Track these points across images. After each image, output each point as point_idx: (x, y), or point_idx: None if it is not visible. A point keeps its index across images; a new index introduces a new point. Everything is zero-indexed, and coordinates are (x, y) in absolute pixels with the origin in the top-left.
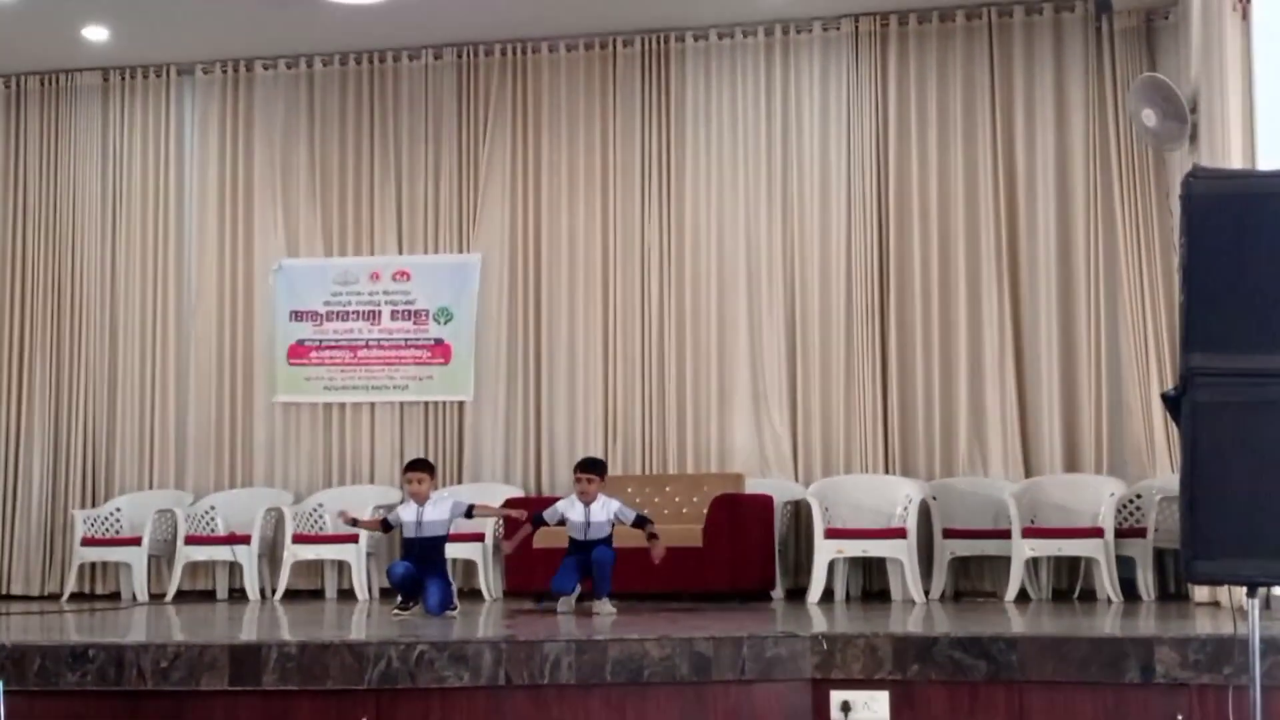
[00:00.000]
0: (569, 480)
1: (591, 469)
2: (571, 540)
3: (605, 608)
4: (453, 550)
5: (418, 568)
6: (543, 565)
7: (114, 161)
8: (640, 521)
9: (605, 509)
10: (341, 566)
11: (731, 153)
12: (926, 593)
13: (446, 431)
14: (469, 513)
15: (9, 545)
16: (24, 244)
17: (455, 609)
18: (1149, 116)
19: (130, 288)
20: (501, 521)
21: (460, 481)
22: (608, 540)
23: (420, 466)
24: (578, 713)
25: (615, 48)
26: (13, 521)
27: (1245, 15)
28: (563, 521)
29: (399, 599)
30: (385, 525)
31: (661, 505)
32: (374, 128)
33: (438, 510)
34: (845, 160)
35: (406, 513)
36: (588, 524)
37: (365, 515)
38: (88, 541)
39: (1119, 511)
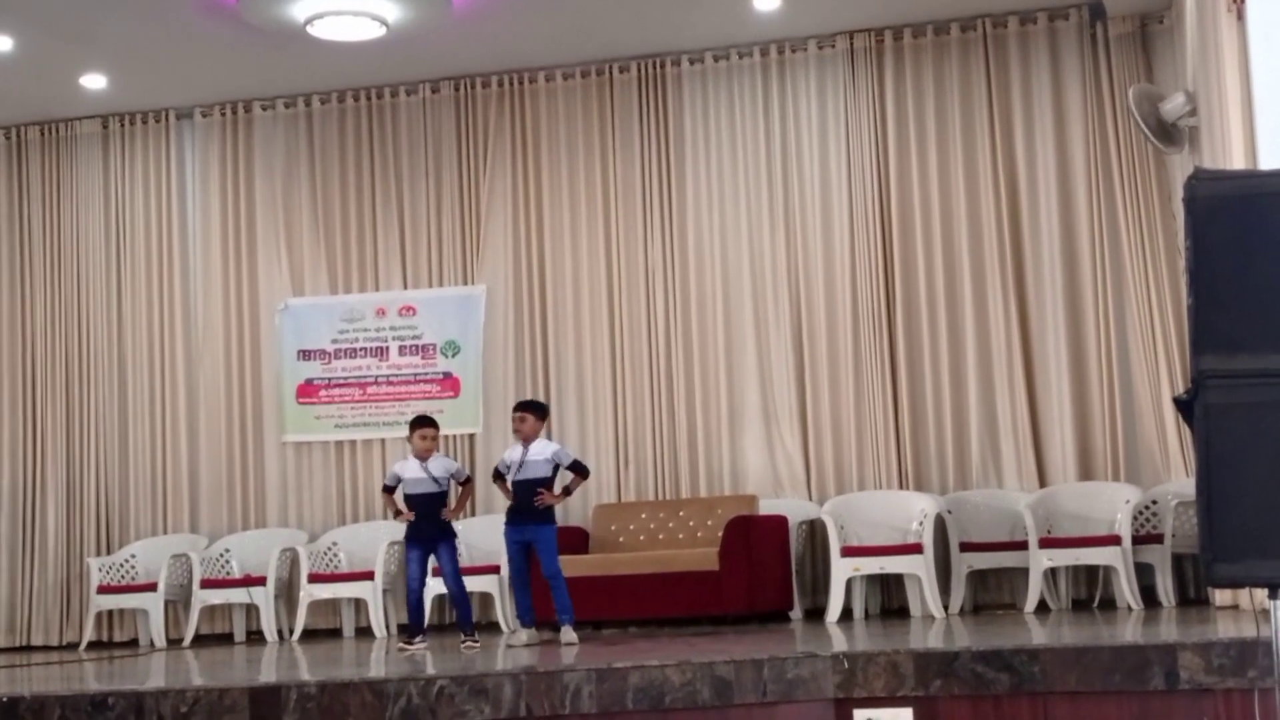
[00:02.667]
0: (582, 508)
1: (524, 407)
2: (514, 487)
3: (567, 636)
4: (469, 583)
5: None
6: None
7: (116, 208)
8: (577, 467)
9: (544, 449)
10: (359, 604)
11: (732, 173)
12: (945, 607)
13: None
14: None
15: (28, 596)
16: (30, 293)
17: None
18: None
19: (137, 332)
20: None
21: (474, 514)
22: (546, 483)
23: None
24: None
25: (612, 74)
26: (31, 572)
27: (1240, 15)
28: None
29: (409, 629)
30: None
31: (676, 530)
32: (374, 164)
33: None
34: (846, 176)
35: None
36: (523, 462)
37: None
38: (104, 589)
39: (1135, 518)
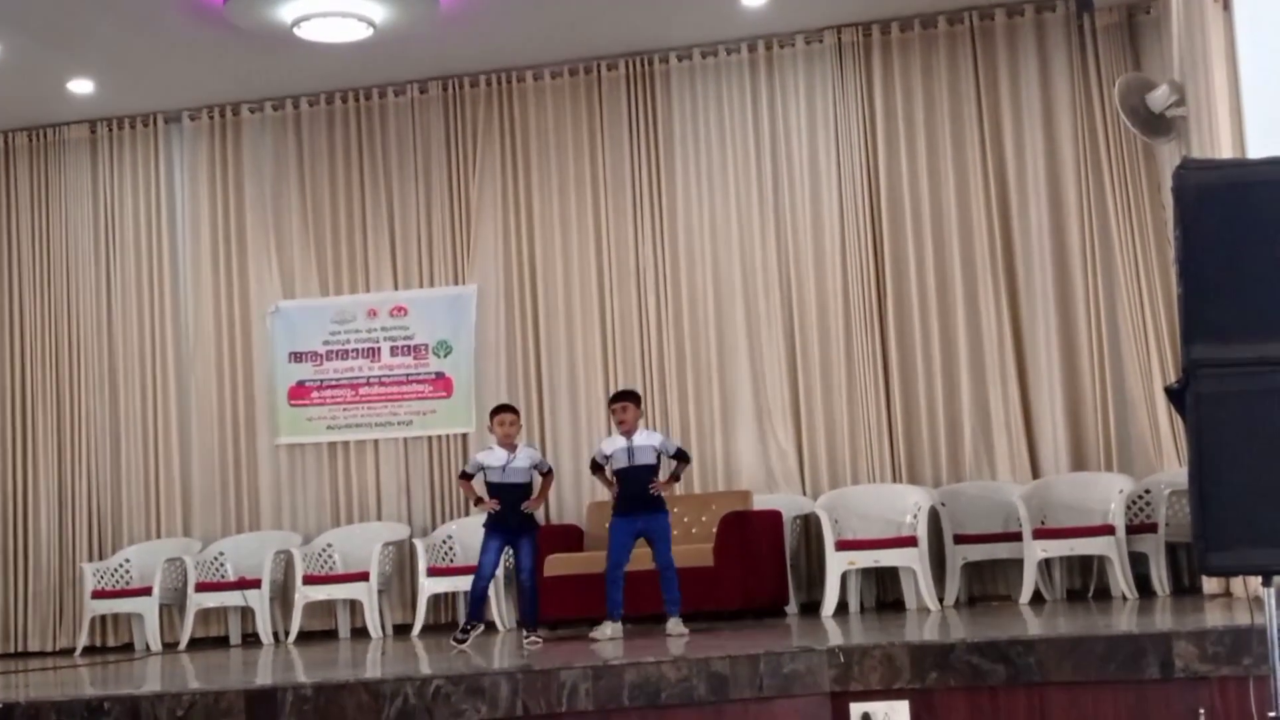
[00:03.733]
0: (575, 506)
1: (624, 397)
2: (619, 477)
3: (677, 628)
4: (467, 584)
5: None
6: (556, 594)
7: (105, 213)
8: (681, 455)
9: (648, 437)
10: (354, 605)
11: (721, 169)
12: (940, 600)
13: (451, 465)
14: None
15: (22, 602)
16: (20, 299)
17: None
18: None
19: (128, 337)
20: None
21: (467, 514)
22: (654, 471)
23: (630, 395)
24: None
25: (600, 72)
26: (24, 578)
27: (1226, 5)
28: (607, 459)
29: (464, 623)
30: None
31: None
32: (363, 165)
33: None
34: (836, 171)
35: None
36: (631, 450)
37: None
38: (98, 594)
39: (1129, 508)
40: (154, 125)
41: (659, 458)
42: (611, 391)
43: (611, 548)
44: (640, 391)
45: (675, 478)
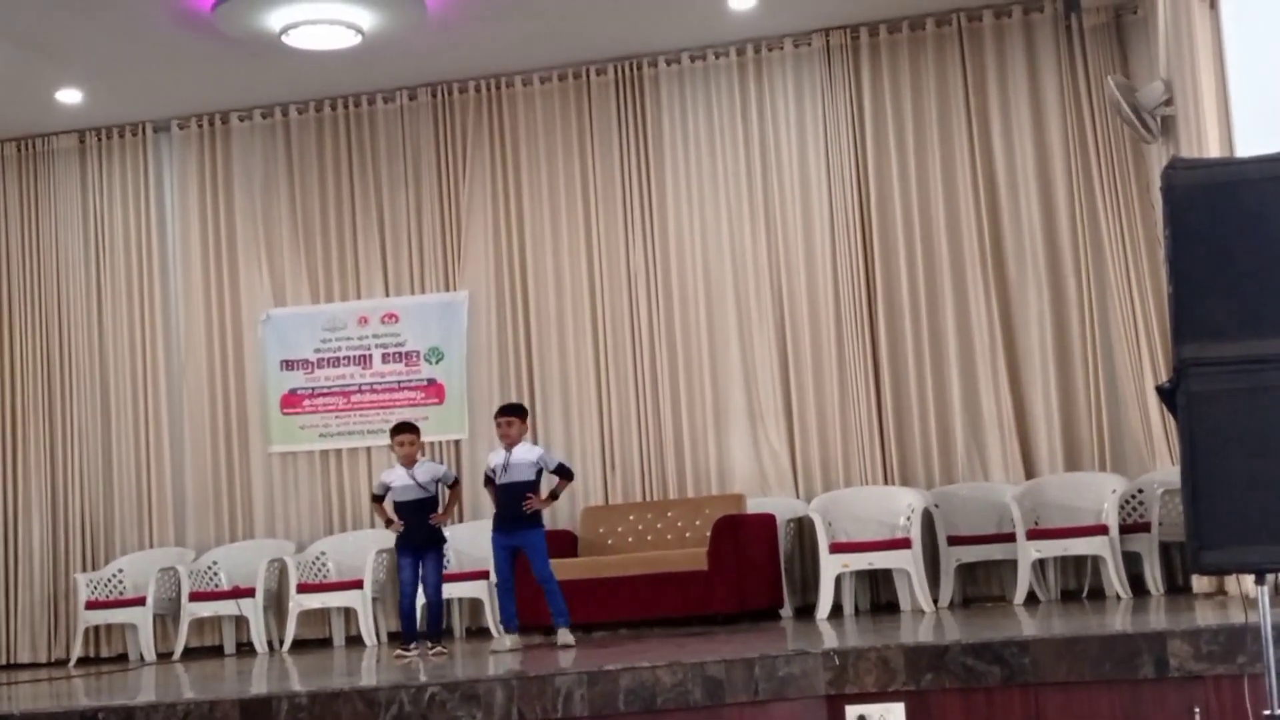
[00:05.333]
0: (569, 512)
1: (509, 411)
2: (497, 492)
3: (565, 638)
4: (458, 589)
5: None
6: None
7: (95, 222)
8: (561, 470)
9: (528, 452)
10: (348, 613)
11: (711, 174)
12: (935, 601)
13: None
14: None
15: (13, 613)
16: (9, 309)
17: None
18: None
19: (119, 347)
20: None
21: (460, 520)
22: (532, 488)
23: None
24: None
25: (589, 77)
26: (15, 589)
27: (1213, 4)
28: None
29: (404, 637)
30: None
31: (664, 530)
32: (353, 172)
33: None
34: (825, 174)
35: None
36: (507, 465)
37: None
38: (92, 604)
39: (1122, 507)
40: (143, 134)
41: (539, 474)
42: (605, 394)
43: (494, 563)
44: (632, 396)
45: (554, 496)
